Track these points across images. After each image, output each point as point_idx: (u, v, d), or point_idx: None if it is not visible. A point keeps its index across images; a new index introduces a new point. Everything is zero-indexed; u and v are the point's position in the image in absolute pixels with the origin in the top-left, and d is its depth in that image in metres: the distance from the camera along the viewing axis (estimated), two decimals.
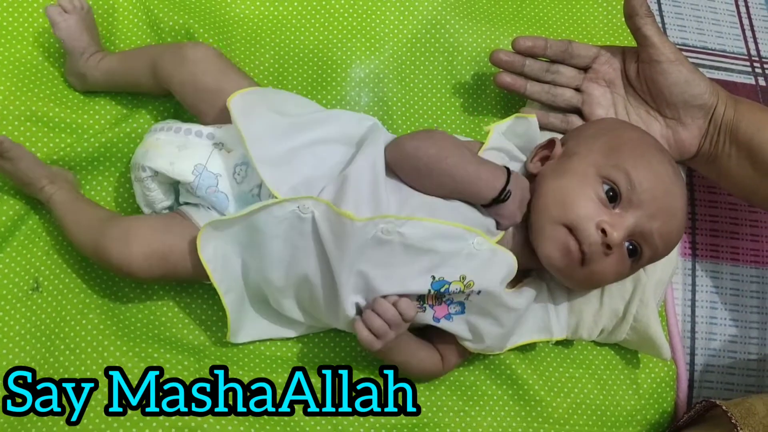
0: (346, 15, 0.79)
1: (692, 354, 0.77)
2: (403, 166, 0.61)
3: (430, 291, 0.59)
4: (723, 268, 0.80)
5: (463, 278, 0.59)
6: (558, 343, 0.73)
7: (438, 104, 0.79)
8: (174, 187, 0.66)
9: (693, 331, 0.78)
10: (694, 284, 0.79)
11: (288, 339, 0.69)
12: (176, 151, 0.63)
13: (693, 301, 0.79)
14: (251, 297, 0.66)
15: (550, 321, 0.68)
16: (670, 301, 0.77)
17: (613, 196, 0.61)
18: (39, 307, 0.64)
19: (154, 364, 0.63)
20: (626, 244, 0.62)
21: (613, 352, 0.74)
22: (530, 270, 0.68)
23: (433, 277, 0.59)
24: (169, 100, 0.71)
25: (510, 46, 0.74)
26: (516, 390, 0.70)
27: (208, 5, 0.77)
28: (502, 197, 0.60)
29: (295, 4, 0.79)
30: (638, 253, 0.63)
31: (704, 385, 0.76)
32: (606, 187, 0.61)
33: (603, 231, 0.60)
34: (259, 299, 0.66)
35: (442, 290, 0.59)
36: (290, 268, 0.61)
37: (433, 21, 0.80)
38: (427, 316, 0.62)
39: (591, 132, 0.68)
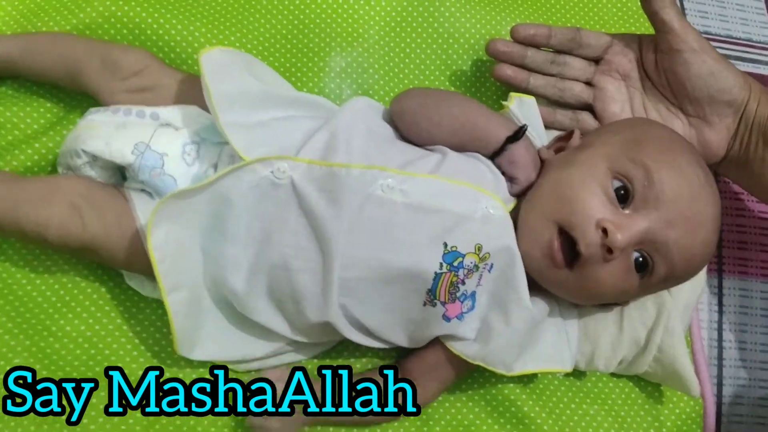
0: None
1: (719, 384, 0.70)
2: (410, 105, 0.59)
3: (441, 265, 0.53)
4: (752, 284, 0.74)
5: (479, 248, 0.53)
6: (569, 374, 0.65)
7: None
8: (119, 172, 0.60)
9: (720, 357, 0.71)
10: (720, 304, 0.72)
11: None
12: (113, 130, 0.57)
13: (720, 323, 0.72)
14: (217, 303, 0.58)
15: (561, 348, 0.60)
16: (695, 324, 0.69)
17: (624, 195, 0.54)
18: None
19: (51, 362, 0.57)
20: (634, 254, 0.54)
21: (631, 384, 0.67)
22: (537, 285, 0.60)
23: (445, 245, 0.53)
24: None
25: (510, 33, 0.68)
26: (522, 430, 0.62)
27: None
28: (518, 135, 0.57)
29: None
30: (648, 267, 0.55)
31: (733, 419, 0.70)
32: (617, 184, 0.54)
33: (604, 231, 0.52)
34: (225, 306, 0.58)
35: (456, 264, 0.53)
36: (262, 250, 0.54)
37: (425, 2, 0.73)
38: (436, 313, 0.55)
39: (614, 127, 0.62)
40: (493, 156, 0.58)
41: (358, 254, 0.53)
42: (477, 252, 0.53)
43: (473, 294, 0.55)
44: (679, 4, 0.83)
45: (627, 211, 0.54)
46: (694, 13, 0.83)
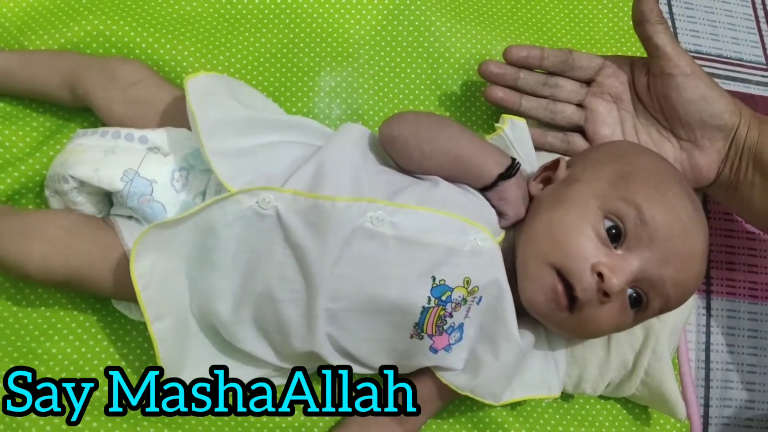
0: (314, 13, 0.70)
1: (706, 405, 0.70)
2: (403, 133, 0.56)
3: (429, 300, 0.52)
4: (740, 305, 0.73)
5: (467, 282, 0.53)
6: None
7: None
8: (107, 197, 0.59)
9: (707, 378, 0.71)
10: (708, 325, 0.72)
11: None
12: (102, 156, 0.56)
13: (707, 344, 0.72)
14: (203, 329, 0.57)
15: (549, 374, 0.60)
16: (683, 346, 0.69)
17: (617, 235, 0.54)
18: None
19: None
20: (629, 291, 0.54)
21: (619, 407, 0.66)
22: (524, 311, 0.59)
23: (434, 279, 0.52)
24: None
25: (502, 55, 0.67)
26: None
27: (149, 4, 0.68)
28: (510, 171, 0.56)
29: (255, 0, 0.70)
30: (643, 303, 0.55)
31: None
32: (608, 224, 0.54)
33: (600, 275, 0.52)
34: (211, 332, 0.57)
35: (444, 298, 0.52)
36: (248, 280, 0.53)
37: (416, 22, 0.72)
38: (423, 345, 0.54)
39: (599, 156, 0.60)
40: (483, 189, 0.57)
41: (344, 287, 0.52)
42: (466, 285, 0.52)
43: (461, 326, 0.55)
44: (670, 23, 0.82)
45: (620, 251, 0.53)
46: (685, 32, 0.82)
